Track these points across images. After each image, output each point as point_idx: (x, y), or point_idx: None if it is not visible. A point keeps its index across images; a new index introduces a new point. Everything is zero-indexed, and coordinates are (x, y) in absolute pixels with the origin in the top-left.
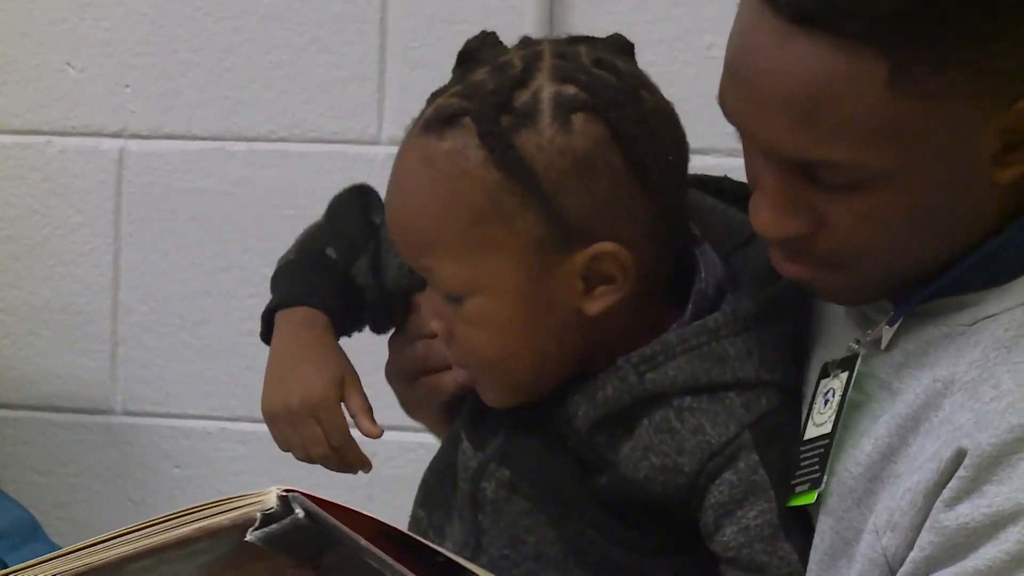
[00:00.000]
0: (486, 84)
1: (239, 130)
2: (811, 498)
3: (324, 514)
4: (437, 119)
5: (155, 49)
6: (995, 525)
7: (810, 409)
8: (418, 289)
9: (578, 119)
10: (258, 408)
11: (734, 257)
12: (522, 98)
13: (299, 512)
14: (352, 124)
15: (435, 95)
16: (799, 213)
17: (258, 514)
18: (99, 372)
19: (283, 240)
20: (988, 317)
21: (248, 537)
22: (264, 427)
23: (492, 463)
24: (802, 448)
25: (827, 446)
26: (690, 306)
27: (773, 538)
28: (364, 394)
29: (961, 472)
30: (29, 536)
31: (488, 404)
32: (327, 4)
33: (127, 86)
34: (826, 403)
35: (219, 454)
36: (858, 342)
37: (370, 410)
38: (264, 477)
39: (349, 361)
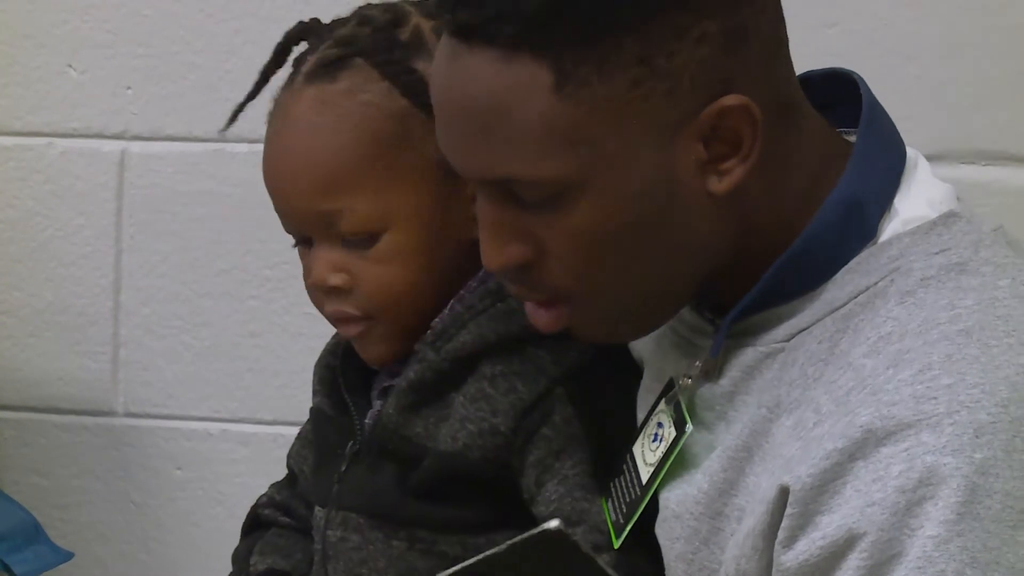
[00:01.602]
0: (361, 32)
1: (241, 131)
2: (614, 543)
3: None
4: (322, 66)
5: (157, 51)
6: (834, 556)
7: (645, 423)
8: None
9: None
10: (259, 410)
11: None
12: (405, 33)
13: None
14: None
15: (296, 61)
16: (516, 239)
17: None
18: (100, 374)
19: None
20: (803, 331)
21: None
22: (265, 429)
23: (332, 510)
24: (628, 458)
25: (639, 498)
26: (481, 272)
27: (593, 487)
28: None
29: (789, 510)
30: (31, 538)
31: (371, 360)
32: (329, 6)
33: (129, 88)
34: (655, 439)
35: (220, 456)
36: (689, 378)
37: None
38: (264, 478)
39: None
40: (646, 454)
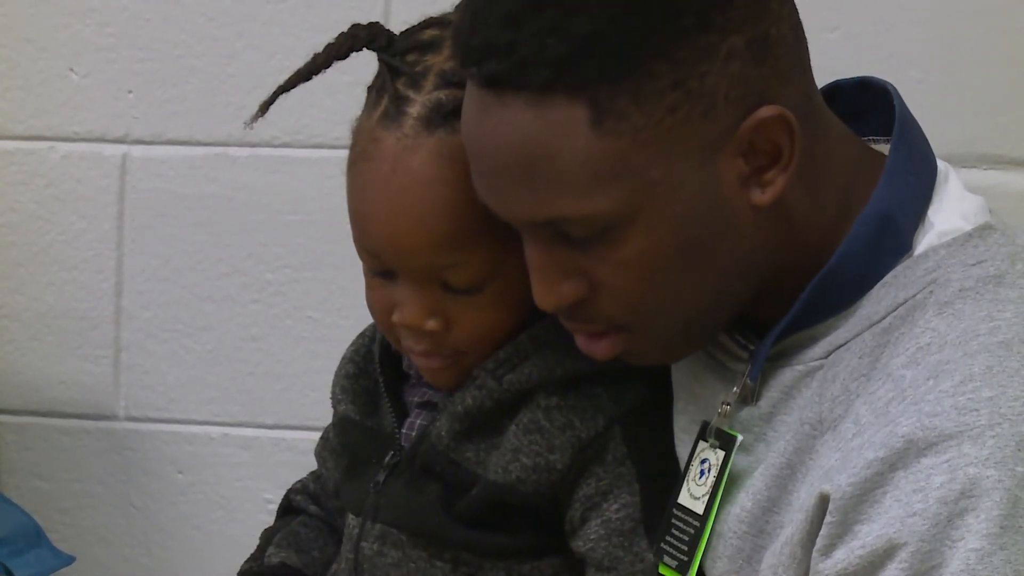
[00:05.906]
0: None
1: (242, 135)
2: None
3: None
4: (440, 115)
5: (158, 54)
6: (872, 565)
7: (687, 469)
8: None
9: None
10: (261, 413)
11: None
12: None
13: None
14: None
15: (383, 89)
16: (569, 277)
17: None
18: (102, 377)
19: (286, 246)
20: (841, 346)
21: None
22: (267, 433)
23: (368, 522)
24: (675, 511)
25: (699, 531)
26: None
27: (632, 533)
28: None
29: (828, 518)
30: (32, 542)
31: (441, 386)
32: (330, 9)
33: (130, 92)
34: (702, 474)
35: (222, 459)
36: (728, 405)
37: None
38: (266, 482)
39: None
40: (694, 490)
